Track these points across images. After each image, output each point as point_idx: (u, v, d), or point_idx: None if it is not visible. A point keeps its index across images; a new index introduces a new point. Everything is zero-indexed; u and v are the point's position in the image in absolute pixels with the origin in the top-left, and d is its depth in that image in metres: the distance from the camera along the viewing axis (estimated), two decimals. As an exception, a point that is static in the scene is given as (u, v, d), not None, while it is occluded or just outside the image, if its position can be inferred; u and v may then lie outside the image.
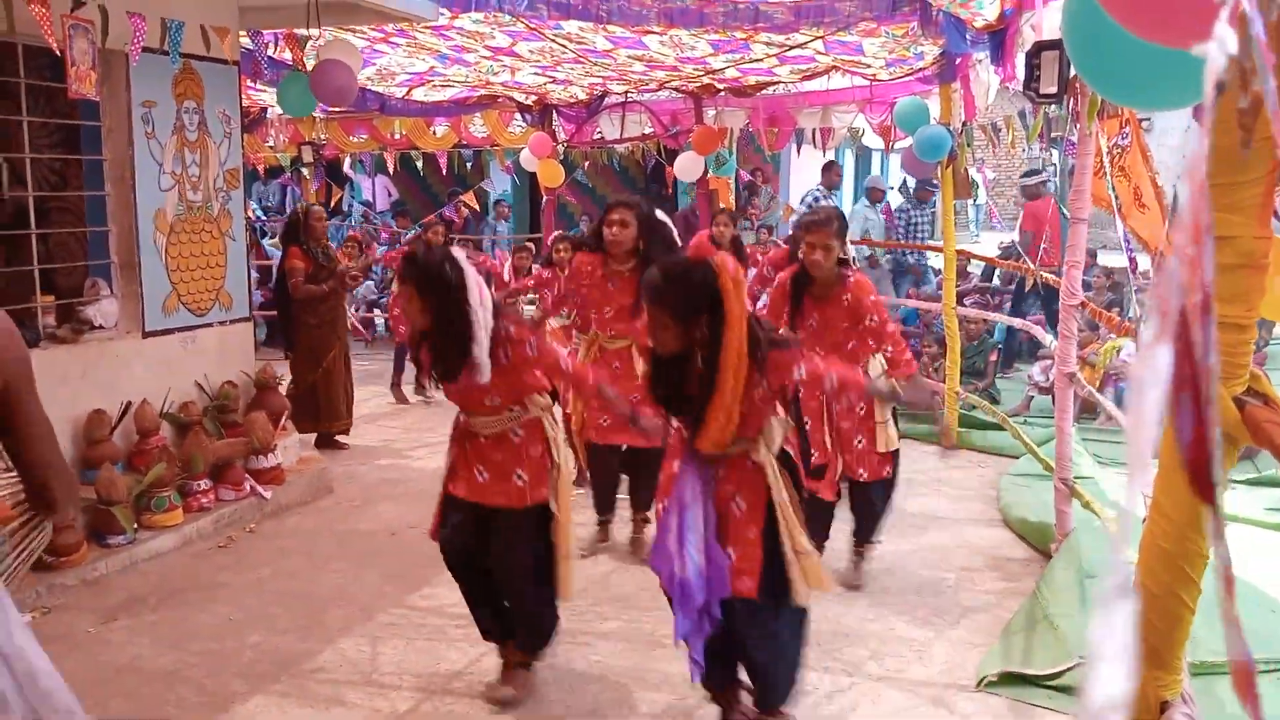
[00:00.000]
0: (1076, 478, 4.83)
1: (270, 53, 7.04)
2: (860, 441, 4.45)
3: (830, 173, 10.98)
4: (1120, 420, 3.75)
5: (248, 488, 5.56)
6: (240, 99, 6.29)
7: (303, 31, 6.33)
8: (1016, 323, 8.06)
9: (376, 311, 11.68)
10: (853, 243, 10.19)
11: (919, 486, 6.20)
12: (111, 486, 4.78)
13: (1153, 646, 2.22)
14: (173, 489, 5.13)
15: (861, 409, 4.40)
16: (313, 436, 6.88)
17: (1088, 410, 7.31)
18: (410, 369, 8.93)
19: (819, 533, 4.40)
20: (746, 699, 3.22)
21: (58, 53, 4.46)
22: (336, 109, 9.25)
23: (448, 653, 3.96)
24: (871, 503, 4.58)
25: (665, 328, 2.85)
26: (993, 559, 4.96)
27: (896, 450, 4.56)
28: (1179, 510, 2.10)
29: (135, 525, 4.93)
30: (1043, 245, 7.72)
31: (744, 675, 3.20)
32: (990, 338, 8.64)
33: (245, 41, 6.49)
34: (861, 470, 4.47)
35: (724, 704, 3.24)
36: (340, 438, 7.13)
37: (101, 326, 5.39)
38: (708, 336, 2.81)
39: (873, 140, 11.16)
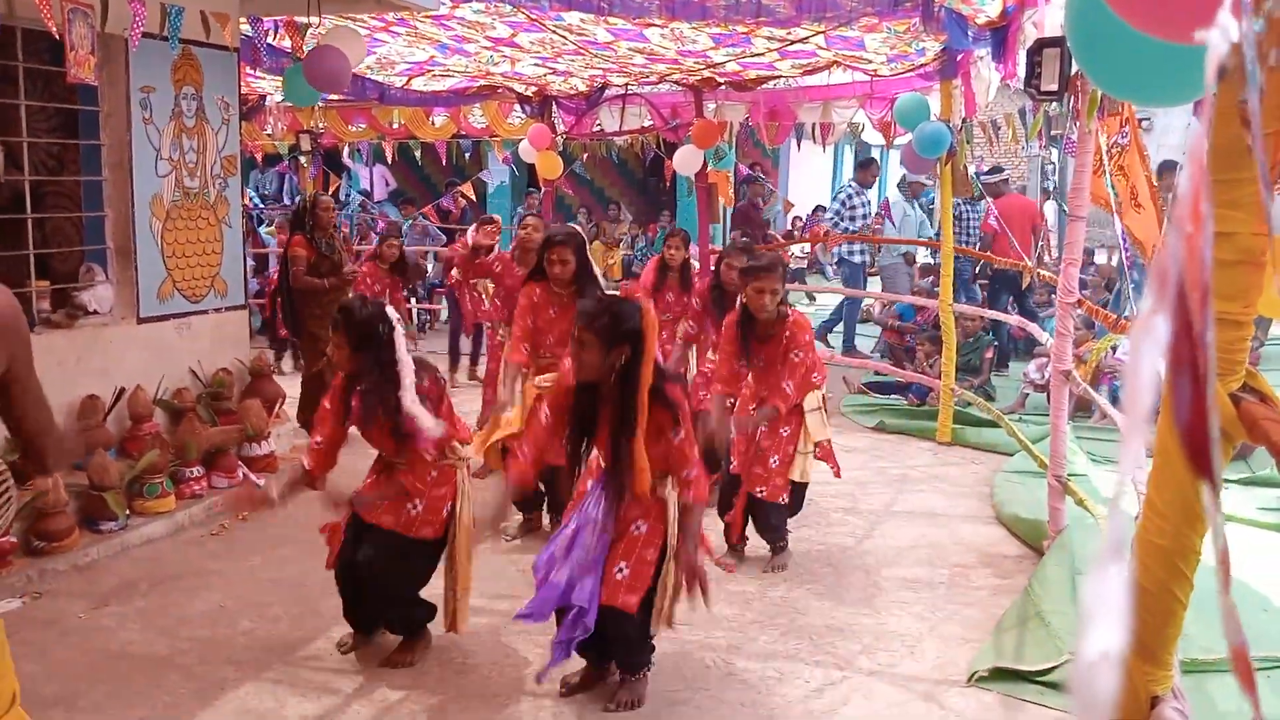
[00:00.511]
0: (1070, 475, 4.83)
1: (270, 40, 7.02)
2: (775, 461, 4.61)
3: (867, 171, 10.89)
4: (1115, 418, 3.75)
5: (241, 475, 5.54)
6: (239, 86, 6.27)
7: (303, 19, 6.32)
8: (1013, 320, 8.06)
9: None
10: (878, 240, 10.19)
11: (913, 483, 6.21)
12: (104, 472, 4.77)
13: (1144, 641, 2.23)
14: (165, 475, 5.12)
15: (786, 430, 4.62)
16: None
17: (1082, 408, 7.32)
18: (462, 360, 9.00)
19: (725, 504, 4.82)
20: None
21: (57, 37, 4.44)
22: (335, 97, 9.21)
23: (439, 642, 3.95)
24: (767, 518, 4.75)
25: (589, 349, 3.18)
26: (986, 555, 4.96)
27: (804, 485, 4.78)
28: (1172, 507, 2.10)
29: (127, 511, 4.92)
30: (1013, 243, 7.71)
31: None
32: (986, 335, 8.65)
33: (245, 28, 6.47)
34: (761, 489, 4.64)
35: (601, 661, 3.60)
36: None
37: (96, 312, 5.38)
38: (623, 366, 3.18)
39: (873, 136, 11.15)
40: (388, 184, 15.43)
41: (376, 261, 8.21)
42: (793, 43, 7.12)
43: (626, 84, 9.51)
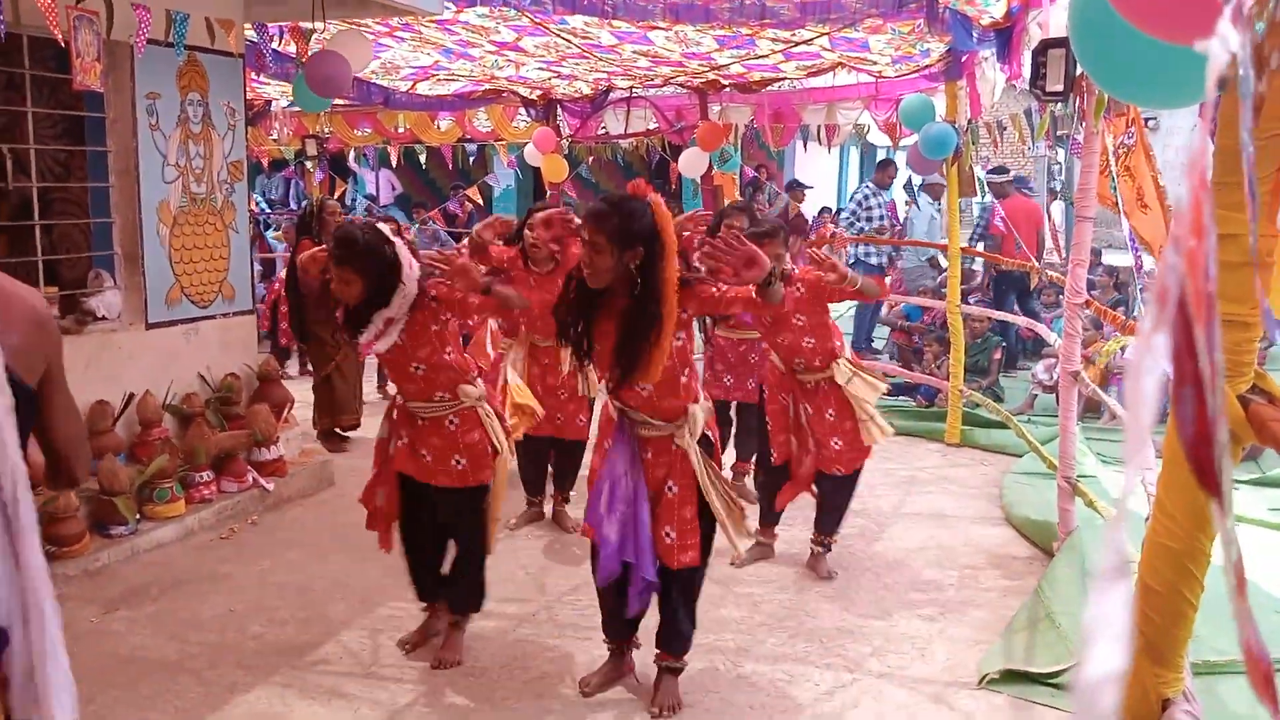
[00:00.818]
0: (1080, 476, 4.82)
1: (275, 46, 7.03)
2: (838, 443, 4.47)
3: (885, 172, 10.87)
4: (1124, 419, 3.76)
5: (250, 479, 5.56)
6: (245, 92, 6.29)
7: (308, 24, 6.33)
8: (1022, 321, 8.05)
9: None
10: (893, 242, 10.16)
11: (922, 484, 6.20)
12: (114, 477, 4.78)
13: (1154, 643, 2.22)
14: (175, 480, 5.13)
15: (831, 414, 4.46)
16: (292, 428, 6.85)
17: (1091, 409, 7.30)
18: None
19: (768, 514, 4.81)
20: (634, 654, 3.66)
21: (62, 44, 4.46)
22: (341, 102, 9.23)
23: (449, 646, 3.96)
24: (834, 496, 4.66)
25: (602, 254, 3.02)
26: (995, 557, 4.95)
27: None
28: (1182, 508, 2.09)
29: (137, 516, 4.93)
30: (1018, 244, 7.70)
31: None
32: (994, 336, 8.64)
33: (250, 34, 6.48)
34: (838, 468, 4.52)
35: (622, 650, 3.63)
36: (349, 433, 7.11)
37: (104, 318, 5.39)
38: (642, 267, 3.02)
39: (878, 137, 11.14)
40: (394, 188, 15.45)
41: None
42: (797, 44, 7.12)
43: (631, 87, 9.52)
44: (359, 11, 6.10)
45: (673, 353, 3.12)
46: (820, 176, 17.41)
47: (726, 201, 10.05)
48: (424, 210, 12.68)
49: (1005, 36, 5.54)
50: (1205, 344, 0.74)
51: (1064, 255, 10.66)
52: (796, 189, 12.64)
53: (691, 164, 9.14)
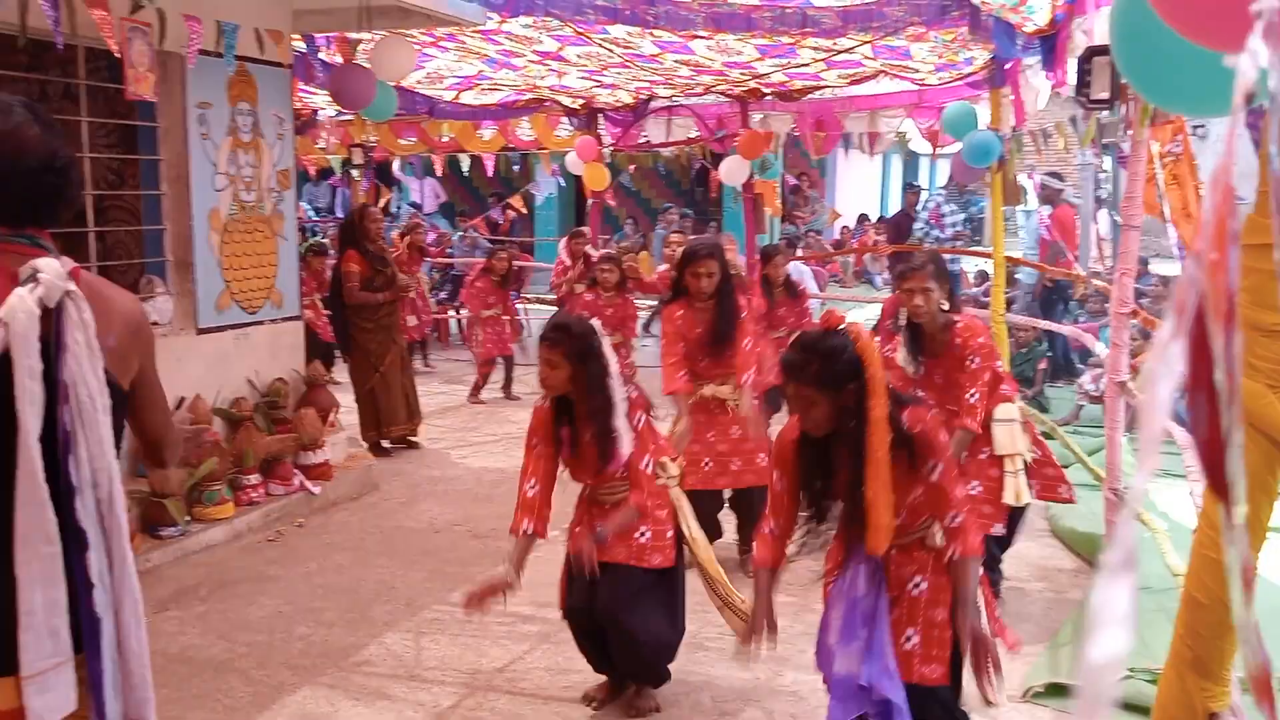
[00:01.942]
0: (1126, 488, 4.76)
1: (321, 55, 7.16)
2: (977, 487, 4.05)
3: (915, 194, 10.76)
4: (1172, 431, 3.69)
5: (297, 483, 5.65)
6: (292, 101, 6.40)
7: (353, 35, 6.45)
8: (1067, 330, 7.97)
9: (451, 313, 11.73)
10: (955, 252, 10.08)
11: (963, 494, 6.15)
12: (164, 479, 4.88)
13: (1201, 657, 2.20)
14: (224, 483, 5.23)
15: (984, 453, 4.08)
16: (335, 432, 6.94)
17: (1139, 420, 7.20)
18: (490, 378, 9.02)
19: None
20: None
21: (117, 55, 4.57)
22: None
23: (490, 649, 4.00)
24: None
25: (814, 404, 2.67)
26: (1041, 569, 4.90)
27: (1021, 509, 4.22)
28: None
29: (187, 517, 5.04)
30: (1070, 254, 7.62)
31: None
32: (1039, 345, 8.55)
33: (298, 44, 6.60)
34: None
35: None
36: (411, 440, 7.19)
37: (157, 323, 5.50)
38: (854, 407, 2.64)
39: (920, 145, 11.08)
40: (438, 197, 15.60)
41: (488, 274, 8.41)
42: (839, 53, 7.12)
43: (672, 95, 9.56)
44: (403, 22, 6.19)
45: (923, 490, 2.72)
46: (862, 184, 17.35)
47: (768, 211, 10.07)
48: (467, 218, 12.81)
49: (1050, 43, 5.51)
50: (1224, 354, 0.75)
51: (1110, 264, 10.55)
52: (913, 189, 12.28)
53: (732, 172, 9.15)
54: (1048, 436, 6.76)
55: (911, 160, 17.74)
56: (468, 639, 4.10)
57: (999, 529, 4.14)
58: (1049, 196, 9.89)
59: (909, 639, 2.76)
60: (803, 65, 7.74)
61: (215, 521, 5.15)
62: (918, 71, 7.91)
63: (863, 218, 16.55)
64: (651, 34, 6.63)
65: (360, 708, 3.56)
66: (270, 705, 3.57)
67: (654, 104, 9.87)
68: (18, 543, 1.67)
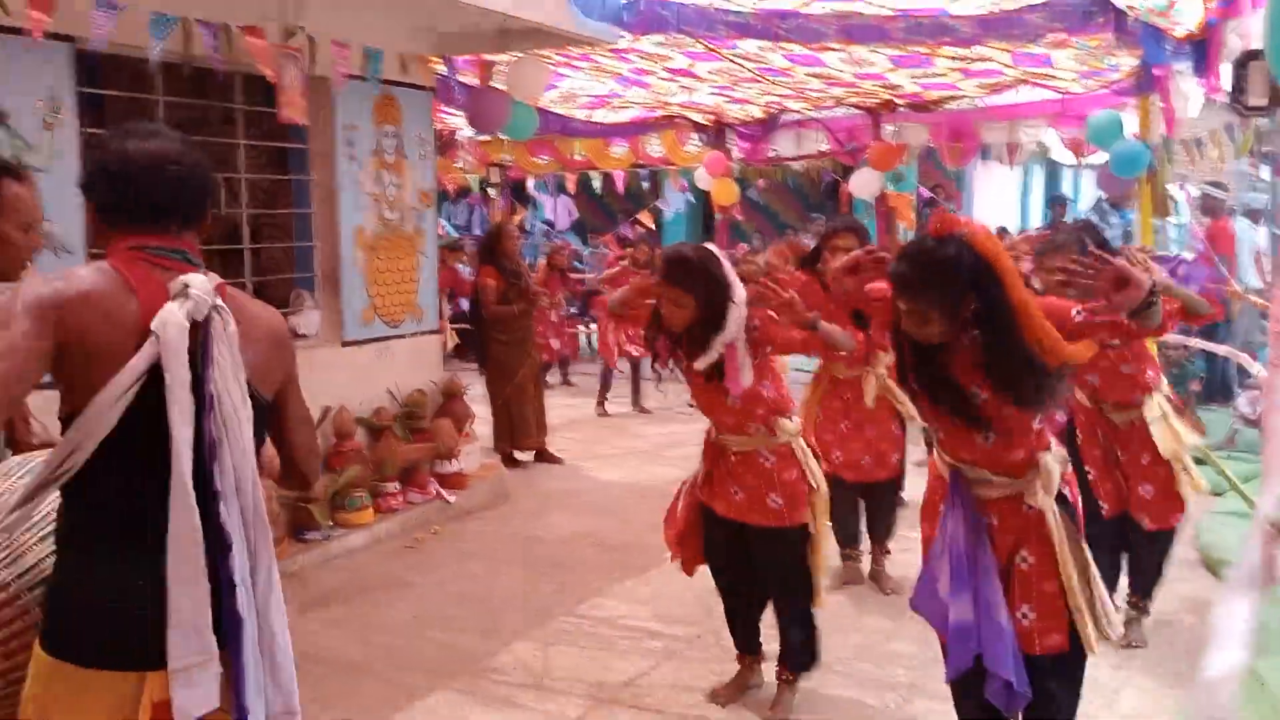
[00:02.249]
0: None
1: (460, 78, 7.39)
2: (1148, 490, 4.00)
3: (1061, 206, 10.35)
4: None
5: (433, 491, 5.84)
6: (433, 122, 6.63)
7: (490, 56, 6.64)
8: (1221, 350, 7.55)
9: (580, 329, 11.94)
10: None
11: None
12: (315, 487, 5.11)
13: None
14: (365, 490, 5.45)
15: (1145, 458, 3.98)
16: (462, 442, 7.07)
17: (1301, 444, 6.75)
18: (615, 386, 9.12)
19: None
20: None
21: (272, 80, 4.82)
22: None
23: (617, 663, 4.03)
24: (1148, 556, 4.13)
25: (929, 321, 2.52)
26: (1191, 602, 4.65)
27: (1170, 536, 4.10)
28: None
29: (330, 523, 5.26)
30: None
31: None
32: (1192, 364, 8.12)
33: (439, 67, 6.83)
34: (1145, 517, 4.02)
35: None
36: (544, 452, 7.32)
37: (305, 335, 5.77)
38: (984, 311, 2.48)
39: (1063, 156, 10.70)
40: (571, 214, 15.86)
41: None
42: (976, 61, 6.95)
43: (803, 109, 9.50)
44: (540, 43, 6.34)
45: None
46: (1001, 196, 16.83)
47: (900, 225, 9.87)
48: (598, 235, 12.99)
49: (1201, 48, 5.26)
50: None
51: (1268, 279, 9.94)
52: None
53: (864, 185, 9.03)
54: (1199, 461, 6.42)
55: (1054, 171, 17.12)
56: (594, 651, 4.14)
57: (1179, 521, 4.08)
58: (1211, 208, 9.38)
59: (1025, 615, 2.69)
60: (938, 75, 7.59)
61: (356, 527, 5.36)
62: (1060, 79, 7.65)
63: (1002, 231, 16.05)
64: (782, 47, 6.61)
65: (489, 714, 3.64)
66: (403, 707, 3.68)
67: (784, 117, 9.83)
68: (170, 545, 1.75)
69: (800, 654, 3.59)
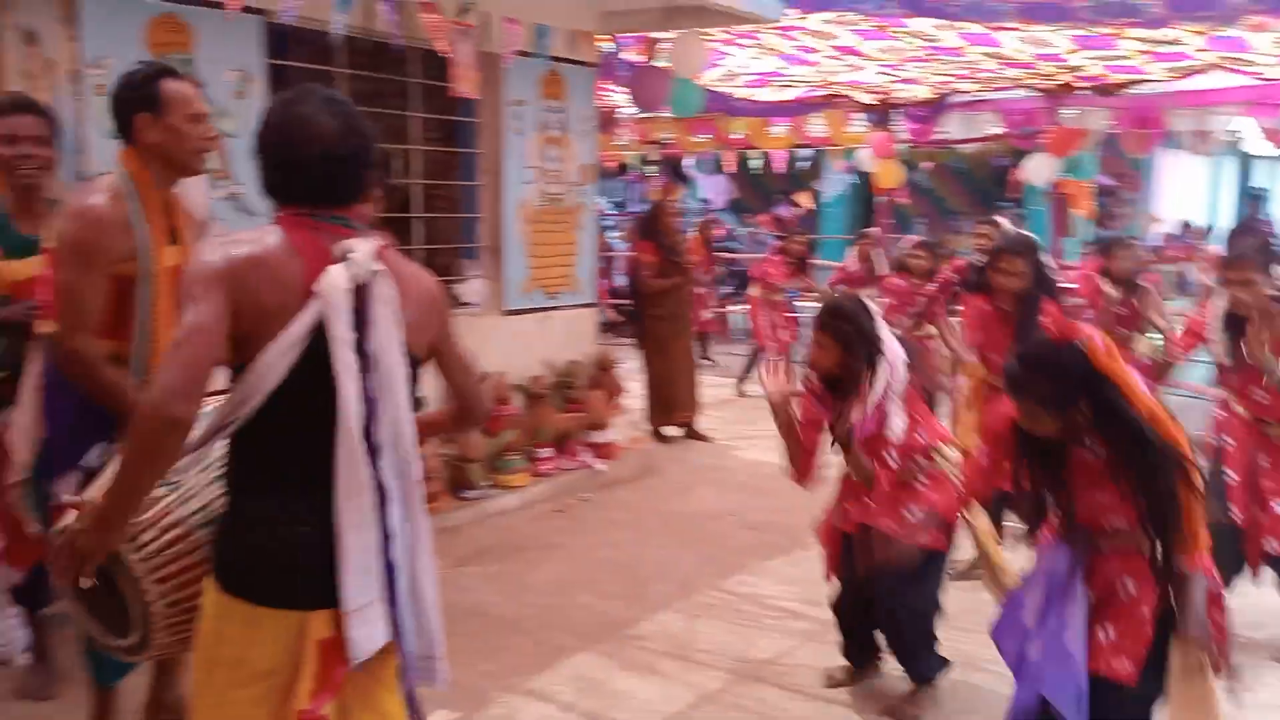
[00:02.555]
0: None
1: (622, 55, 7.46)
2: None
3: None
4: None
5: (584, 459, 5.98)
6: (595, 100, 6.72)
7: (654, 34, 6.68)
8: None
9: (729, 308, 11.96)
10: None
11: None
12: (470, 446, 5.32)
13: None
14: (520, 454, 5.62)
15: None
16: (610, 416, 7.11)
17: None
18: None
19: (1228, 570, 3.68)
20: None
21: (446, 55, 4.98)
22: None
23: (760, 639, 4.04)
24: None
25: (1041, 420, 2.61)
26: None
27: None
28: None
29: (487, 482, 5.46)
30: None
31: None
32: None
33: (604, 44, 6.91)
34: (1273, 541, 3.84)
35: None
36: (693, 429, 7.35)
37: (470, 304, 5.96)
38: (1089, 421, 2.56)
39: (1259, 146, 10.01)
40: (727, 193, 15.84)
41: (784, 256, 8.37)
42: (1164, 44, 6.56)
43: (976, 90, 9.18)
44: (703, 21, 6.34)
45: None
46: (1188, 187, 15.89)
47: (1077, 213, 9.44)
48: (754, 215, 12.93)
49: None
50: None
51: None
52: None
53: (1038, 171, 8.68)
54: None
55: (1248, 163, 16.03)
56: (738, 627, 4.16)
57: None
58: None
59: (1106, 633, 2.63)
60: (1122, 58, 7.21)
61: (511, 489, 5.55)
62: (1256, 64, 7.15)
63: (1187, 224, 15.16)
64: (953, 25, 6.42)
65: (633, 679, 3.70)
66: (551, 665, 3.78)
67: (954, 98, 9.53)
68: (339, 493, 1.86)
69: (921, 665, 3.50)
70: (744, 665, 3.83)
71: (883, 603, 3.41)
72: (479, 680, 3.59)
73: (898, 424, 3.30)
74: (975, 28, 6.39)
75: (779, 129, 10.92)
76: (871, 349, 3.29)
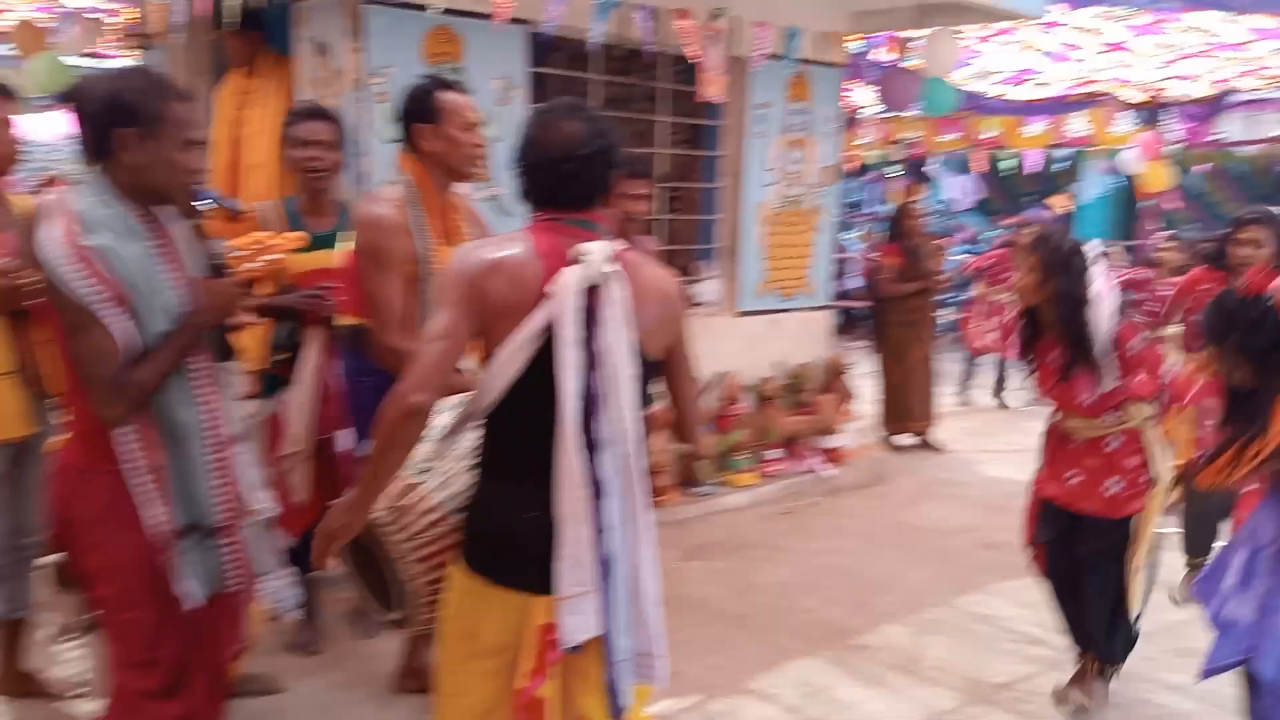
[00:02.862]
0: None
1: (870, 55, 7.33)
2: None
3: None
4: None
5: (812, 464, 5.93)
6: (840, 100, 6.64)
7: (904, 33, 6.53)
8: None
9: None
10: None
11: None
12: (700, 443, 5.40)
13: None
14: (749, 454, 5.66)
15: None
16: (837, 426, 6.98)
17: None
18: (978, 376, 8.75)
19: None
20: None
21: (696, 60, 5.06)
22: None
23: (995, 663, 3.89)
24: None
25: (1237, 368, 2.67)
26: None
27: None
28: None
29: (716, 480, 5.52)
30: None
31: None
32: None
33: (853, 44, 6.81)
34: None
35: None
36: (928, 439, 7.19)
37: (704, 304, 6.05)
38: None
39: None
40: (972, 194, 15.21)
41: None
42: None
43: (1258, 87, 8.41)
44: (959, 19, 6.14)
45: None
46: None
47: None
48: (1002, 218, 12.36)
49: None
50: None
51: None
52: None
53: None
54: None
55: None
56: (971, 647, 4.02)
57: None
58: None
59: None
60: None
61: (739, 488, 5.60)
62: None
63: None
64: (1239, 20, 5.91)
65: (858, 689, 3.66)
66: (775, 665, 3.79)
67: (1233, 97, 8.76)
68: (560, 485, 1.96)
69: (1107, 644, 3.45)
70: (977, 687, 3.70)
71: (1086, 566, 3.40)
72: (703, 673, 3.65)
73: (1109, 376, 3.22)
74: (1267, 21, 5.85)
75: (1034, 128, 10.41)
76: (1076, 286, 3.20)
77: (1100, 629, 3.44)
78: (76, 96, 2.20)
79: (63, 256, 2.05)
